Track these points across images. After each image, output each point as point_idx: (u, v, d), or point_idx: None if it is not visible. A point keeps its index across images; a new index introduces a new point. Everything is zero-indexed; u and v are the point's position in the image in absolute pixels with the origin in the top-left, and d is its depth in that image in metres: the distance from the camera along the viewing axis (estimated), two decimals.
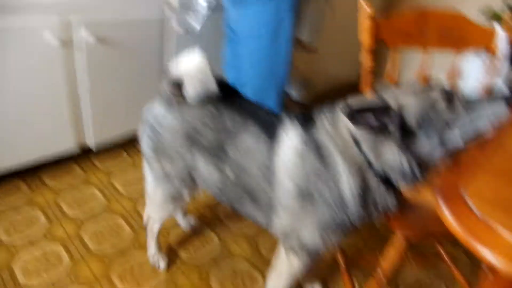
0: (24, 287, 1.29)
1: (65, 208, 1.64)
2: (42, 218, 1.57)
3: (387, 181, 0.92)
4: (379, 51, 1.16)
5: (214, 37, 2.08)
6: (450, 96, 0.87)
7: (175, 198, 1.25)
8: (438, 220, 0.97)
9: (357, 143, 0.91)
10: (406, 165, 0.88)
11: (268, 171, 1.01)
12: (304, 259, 1.08)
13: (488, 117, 0.85)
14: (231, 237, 1.58)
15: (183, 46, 1.96)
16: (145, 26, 1.84)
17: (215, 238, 1.57)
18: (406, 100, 0.88)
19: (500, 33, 1.23)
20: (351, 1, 2.78)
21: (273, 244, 1.55)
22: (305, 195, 0.97)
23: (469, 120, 0.86)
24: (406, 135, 0.86)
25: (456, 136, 0.87)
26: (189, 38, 1.96)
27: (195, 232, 1.59)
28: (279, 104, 1.89)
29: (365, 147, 0.90)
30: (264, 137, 1.02)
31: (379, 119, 0.85)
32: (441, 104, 0.87)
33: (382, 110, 0.86)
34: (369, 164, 0.91)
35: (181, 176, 1.17)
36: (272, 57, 1.72)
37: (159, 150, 1.15)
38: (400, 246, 1.04)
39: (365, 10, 1.11)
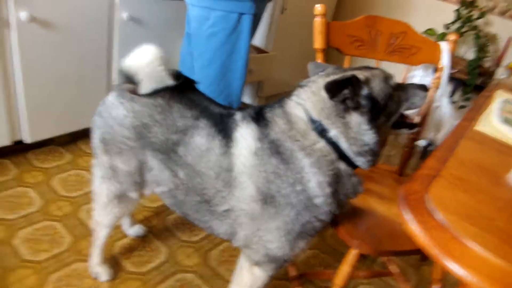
0: None
1: None
2: None
3: (351, 164, 0.90)
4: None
5: (164, 27, 2.01)
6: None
7: (121, 199, 1.15)
8: (390, 237, 1.03)
9: (321, 132, 0.86)
10: (377, 141, 0.87)
11: (224, 173, 0.93)
12: (269, 270, 1.01)
13: (418, 99, 0.93)
14: (180, 248, 1.52)
15: (130, 36, 1.88)
16: (90, 9, 1.69)
17: (163, 249, 1.49)
18: (366, 75, 0.88)
19: (444, 48, 1.31)
20: (308, 8, 2.85)
21: (224, 256, 1.52)
22: (267, 198, 0.89)
23: (406, 102, 0.93)
24: (373, 110, 0.86)
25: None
26: (138, 28, 1.87)
27: (142, 242, 1.50)
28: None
29: (333, 132, 0.86)
30: (218, 136, 0.94)
31: (354, 92, 0.83)
32: (393, 81, 0.90)
33: (356, 83, 0.83)
34: (338, 151, 0.87)
35: (130, 172, 1.08)
36: (226, 63, 1.68)
37: (108, 142, 1.06)
38: (353, 258, 1.05)
39: (316, 8, 1.14)
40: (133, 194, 1.14)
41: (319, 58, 1.17)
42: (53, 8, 1.57)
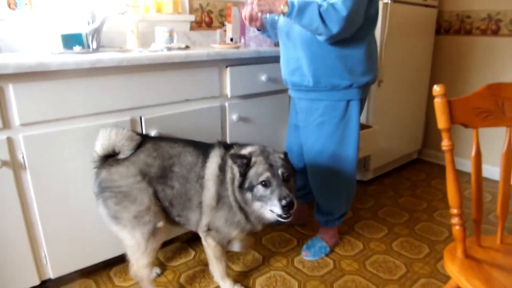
0: None
1: None
2: None
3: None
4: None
5: (269, 121, 2.14)
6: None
7: (153, 232, 1.47)
8: None
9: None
10: (239, 199, 1.41)
11: (200, 179, 1.43)
12: (219, 241, 1.52)
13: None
14: None
15: (240, 132, 2.02)
16: (206, 116, 1.89)
17: None
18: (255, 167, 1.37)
19: None
20: (404, 78, 2.81)
21: None
22: (219, 197, 1.42)
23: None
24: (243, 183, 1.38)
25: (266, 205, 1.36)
26: (246, 125, 2.02)
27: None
28: (349, 195, 1.80)
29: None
30: (200, 154, 1.46)
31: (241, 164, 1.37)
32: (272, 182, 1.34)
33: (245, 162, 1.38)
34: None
35: (148, 207, 1.43)
36: (337, 150, 1.67)
37: (122, 199, 1.41)
38: None
39: (435, 90, 1.09)
40: (159, 222, 1.47)
41: (445, 138, 1.10)
42: (176, 124, 1.80)
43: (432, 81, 3.07)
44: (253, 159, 1.37)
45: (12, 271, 1.53)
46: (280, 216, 1.33)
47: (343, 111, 1.59)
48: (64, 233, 1.60)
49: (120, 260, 1.85)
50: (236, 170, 1.39)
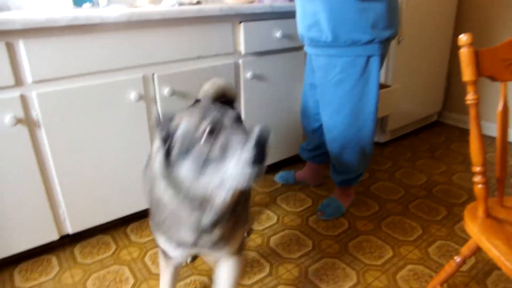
0: None
1: None
2: None
3: None
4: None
5: (284, 79, 2.09)
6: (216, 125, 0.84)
7: None
8: None
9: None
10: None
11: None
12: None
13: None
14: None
15: (254, 91, 1.97)
16: (220, 73, 1.85)
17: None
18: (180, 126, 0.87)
19: None
20: (425, 36, 2.67)
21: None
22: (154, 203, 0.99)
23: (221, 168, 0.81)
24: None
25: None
26: (260, 83, 1.96)
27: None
28: (365, 155, 1.76)
29: None
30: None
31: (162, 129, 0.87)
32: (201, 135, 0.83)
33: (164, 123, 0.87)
34: None
35: None
36: (356, 107, 1.62)
37: None
38: None
39: (461, 39, 1.02)
40: None
41: (471, 91, 1.04)
42: (190, 82, 1.75)
43: (455, 40, 2.92)
44: (179, 115, 0.90)
45: (32, 227, 1.57)
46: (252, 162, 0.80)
47: (363, 67, 1.53)
48: (82, 190, 1.63)
49: (137, 217, 1.89)
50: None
